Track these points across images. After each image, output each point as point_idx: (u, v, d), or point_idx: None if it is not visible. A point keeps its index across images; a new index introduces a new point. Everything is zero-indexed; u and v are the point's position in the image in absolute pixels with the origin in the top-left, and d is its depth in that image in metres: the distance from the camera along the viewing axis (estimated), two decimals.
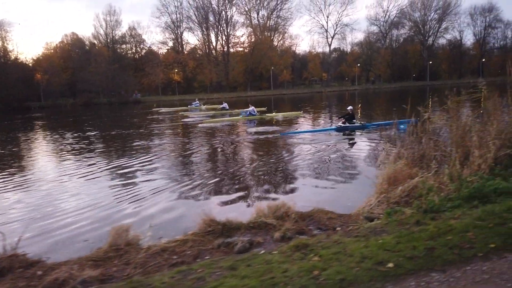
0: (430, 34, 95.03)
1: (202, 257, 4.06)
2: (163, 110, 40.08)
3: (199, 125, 22.07)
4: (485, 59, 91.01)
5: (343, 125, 15.69)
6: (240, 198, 6.98)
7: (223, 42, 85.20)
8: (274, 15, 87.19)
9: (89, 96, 63.87)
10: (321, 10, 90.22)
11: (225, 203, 6.74)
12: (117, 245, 4.31)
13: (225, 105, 33.02)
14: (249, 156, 11.48)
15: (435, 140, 6.71)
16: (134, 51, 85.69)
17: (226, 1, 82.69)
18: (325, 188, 7.44)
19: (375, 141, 12.77)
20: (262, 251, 3.90)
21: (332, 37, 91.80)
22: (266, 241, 4.47)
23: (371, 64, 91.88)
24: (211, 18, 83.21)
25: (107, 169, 10.29)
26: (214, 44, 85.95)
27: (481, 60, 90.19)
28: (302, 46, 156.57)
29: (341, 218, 5.43)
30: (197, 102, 41.47)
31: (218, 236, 4.82)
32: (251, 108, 24.26)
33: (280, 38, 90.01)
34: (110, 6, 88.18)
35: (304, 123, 20.95)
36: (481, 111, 6.87)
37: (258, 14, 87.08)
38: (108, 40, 79.00)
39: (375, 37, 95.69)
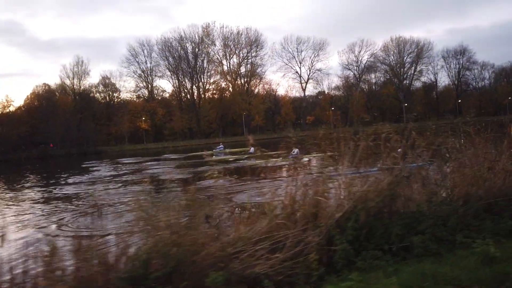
0: (405, 77, 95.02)
1: None
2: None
3: None
4: (461, 99, 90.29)
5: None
6: None
7: (196, 89, 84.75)
8: (247, 62, 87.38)
9: (45, 148, 61.58)
10: (294, 57, 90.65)
11: None
12: None
13: (221, 147, 33.16)
14: None
15: None
16: (108, 99, 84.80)
17: (199, 50, 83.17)
18: None
19: None
20: None
21: (306, 82, 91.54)
22: None
23: (348, 107, 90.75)
24: (184, 66, 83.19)
25: None
26: (188, 90, 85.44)
27: (458, 101, 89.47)
28: (280, 91, 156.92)
29: None
30: (221, 146, 39.64)
31: None
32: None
33: (257, 84, 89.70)
34: (78, 57, 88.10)
35: None
36: None
37: (230, 61, 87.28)
38: (75, 91, 78.29)
39: (351, 81, 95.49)
